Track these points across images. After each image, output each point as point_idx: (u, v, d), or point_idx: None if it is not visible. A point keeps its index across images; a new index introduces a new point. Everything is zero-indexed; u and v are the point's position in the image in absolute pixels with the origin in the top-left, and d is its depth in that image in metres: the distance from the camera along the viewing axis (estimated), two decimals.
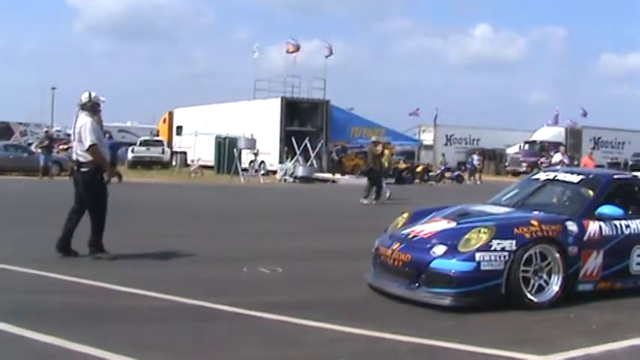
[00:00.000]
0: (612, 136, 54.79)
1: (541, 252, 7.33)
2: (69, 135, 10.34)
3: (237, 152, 35.25)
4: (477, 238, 7.22)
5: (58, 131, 56.99)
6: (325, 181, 34.99)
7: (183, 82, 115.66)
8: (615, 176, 8.85)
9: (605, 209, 7.88)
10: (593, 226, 7.74)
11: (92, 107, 9.74)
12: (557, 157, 27.87)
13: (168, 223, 14.89)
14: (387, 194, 23.15)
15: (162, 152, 44.54)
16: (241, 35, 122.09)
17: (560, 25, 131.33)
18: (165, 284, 7.97)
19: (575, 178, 8.74)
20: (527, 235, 7.26)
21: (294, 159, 37.26)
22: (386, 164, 25.26)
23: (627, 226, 7.94)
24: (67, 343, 5.58)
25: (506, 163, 51.18)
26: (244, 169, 34.64)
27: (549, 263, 7.37)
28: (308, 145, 38.17)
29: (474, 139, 57.16)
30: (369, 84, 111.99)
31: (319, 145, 39.79)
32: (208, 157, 40.06)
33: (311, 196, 24.27)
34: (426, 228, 7.89)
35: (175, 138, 48.39)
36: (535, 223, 7.45)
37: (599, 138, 53.84)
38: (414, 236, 7.82)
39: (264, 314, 6.73)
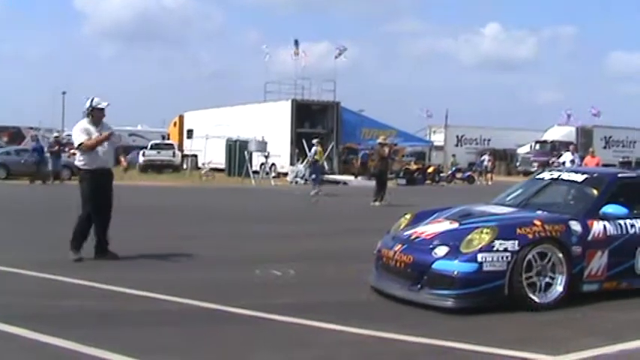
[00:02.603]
0: (623, 135, 54.45)
1: (544, 252, 7.27)
2: None
3: (248, 155, 35.28)
4: (480, 238, 7.17)
5: (69, 135, 57.18)
6: (336, 182, 34.96)
7: (193, 86, 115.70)
8: (620, 175, 8.71)
9: (610, 208, 7.79)
10: (597, 226, 7.68)
11: (92, 113, 9.73)
12: (566, 157, 27.66)
13: (180, 225, 14.93)
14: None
15: (173, 156, 44.65)
16: (250, 37, 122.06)
17: (570, 23, 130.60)
18: (177, 287, 8.01)
19: (580, 177, 8.67)
20: (530, 236, 7.21)
21: (305, 161, 37.27)
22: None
23: (632, 226, 7.85)
24: (80, 347, 5.61)
25: (517, 163, 51.07)
26: (255, 172, 34.67)
27: (553, 263, 7.31)
28: None
29: (484, 140, 57.03)
30: (378, 85, 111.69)
31: (330, 147, 39.76)
32: (219, 159, 40.17)
33: (322, 198, 24.22)
34: (429, 229, 7.85)
35: (186, 141, 48.54)
36: (538, 223, 7.39)
37: (610, 137, 53.55)
38: (416, 237, 7.78)
39: (276, 316, 6.75)
